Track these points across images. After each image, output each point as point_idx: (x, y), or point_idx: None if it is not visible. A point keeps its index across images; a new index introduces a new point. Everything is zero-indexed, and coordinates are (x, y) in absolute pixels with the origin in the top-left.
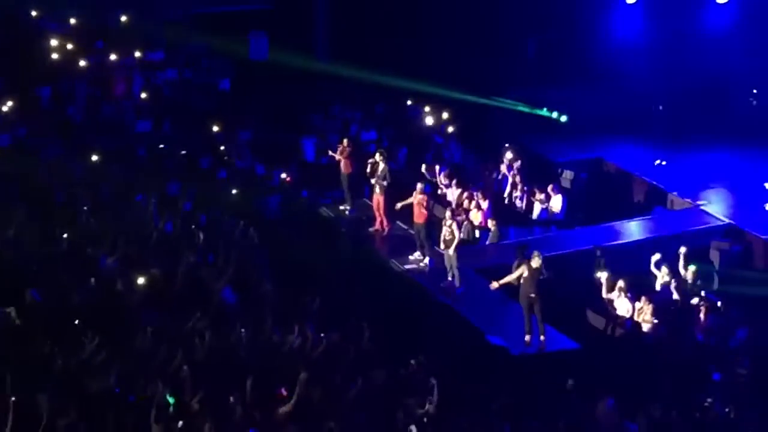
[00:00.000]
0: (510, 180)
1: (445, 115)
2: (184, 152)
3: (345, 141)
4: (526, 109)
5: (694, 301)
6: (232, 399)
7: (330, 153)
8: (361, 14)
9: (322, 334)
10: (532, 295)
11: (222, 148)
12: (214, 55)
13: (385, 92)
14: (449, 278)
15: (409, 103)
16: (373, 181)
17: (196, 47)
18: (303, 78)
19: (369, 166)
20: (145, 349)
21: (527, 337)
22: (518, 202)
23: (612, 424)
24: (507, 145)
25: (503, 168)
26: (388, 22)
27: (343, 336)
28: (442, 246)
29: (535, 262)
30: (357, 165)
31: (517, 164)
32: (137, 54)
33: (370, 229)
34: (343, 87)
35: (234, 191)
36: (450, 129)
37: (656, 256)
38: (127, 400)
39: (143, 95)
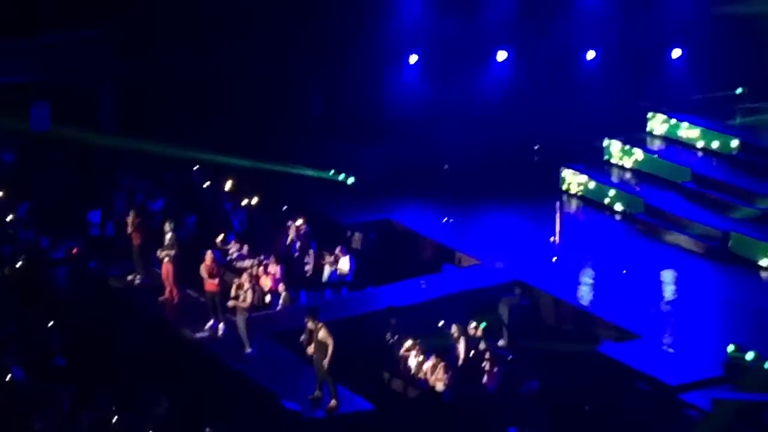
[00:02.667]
0: (298, 244)
1: (232, 182)
2: None
3: (132, 212)
4: (312, 173)
5: (485, 357)
6: None
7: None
8: (145, 86)
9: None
10: (315, 355)
11: (8, 219)
12: None
13: (174, 160)
14: (244, 344)
15: (195, 168)
16: (161, 252)
17: None
18: (90, 148)
19: (161, 235)
20: None
21: (316, 393)
22: (307, 266)
23: None
24: (285, 208)
25: (291, 232)
26: (173, 94)
27: (139, 408)
28: (236, 313)
29: (313, 324)
30: (146, 234)
31: (303, 228)
32: None
33: (160, 299)
34: (131, 157)
35: (18, 264)
36: (238, 195)
37: (441, 323)
38: None
39: None
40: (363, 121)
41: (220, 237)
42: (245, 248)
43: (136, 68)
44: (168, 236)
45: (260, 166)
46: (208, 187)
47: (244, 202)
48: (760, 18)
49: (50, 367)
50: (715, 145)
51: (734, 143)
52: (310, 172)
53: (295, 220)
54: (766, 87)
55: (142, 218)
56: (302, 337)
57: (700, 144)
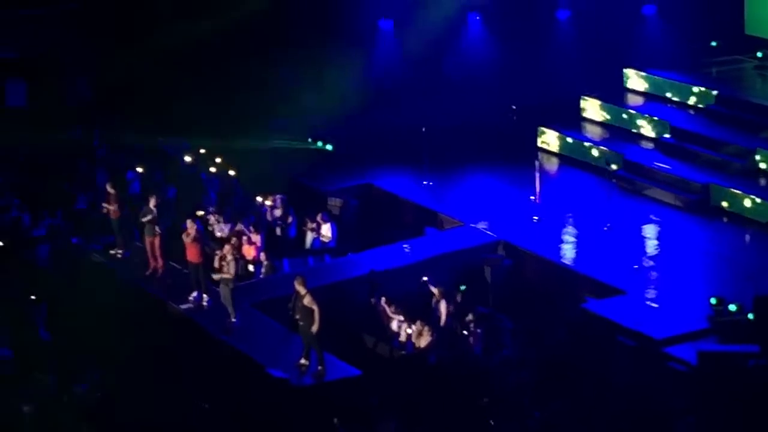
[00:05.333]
0: (279, 212)
1: (209, 153)
2: None
3: (109, 186)
4: (291, 144)
5: (470, 318)
6: None
7: (105, 206)
8: (117, 62)
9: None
10: (301, 322)
11: None
12: None
13: (147, 135)
14: (229, 314)
15: (161, 140)
16: (144, 220)
17: None
18: (66, 123)
19: (141, 209)
20: None
21: (303, 360)
22: (287, 233)
23: None
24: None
25: (271, 200)
26: (147, 68)
27: (128, 383)
28: (218, 282)
29: (300, 289)
30: (126, 208)
31: (281, 196)
32: None
33: (147, 273)
34: (106, 131)
35: (1, 243)
36: (215, 167)
37: (424, 278)
38: None
39: None
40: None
41: (200, 212)
42: (224, 218)
43: (109, 44)
44: (151, 209)
45: (236, 142)
46: (182, 157)
47: (223, 172)
48: None
49: (35, 342)
50: (692, 98)
51: (711, 96)
52: (287, 142)
53: (270, 191)
54: (740, 40)
55: (120, 191)
56: (290, 304)
57: (677, 98)
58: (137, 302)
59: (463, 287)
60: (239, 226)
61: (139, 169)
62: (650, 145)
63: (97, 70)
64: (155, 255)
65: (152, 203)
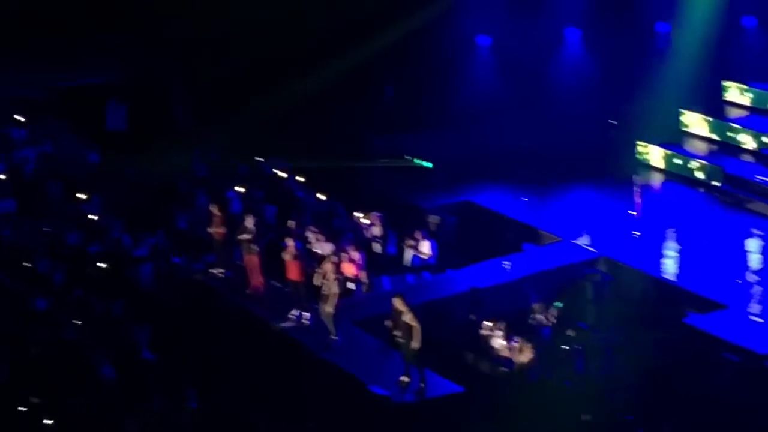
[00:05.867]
0: (378, 230)
1: (306, 172)
2: (47, 229)
3: (214, 208)
4: (390, 162)
5: (570, 334)
6: None
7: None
8: (217, 86)
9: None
10: (402, 340)
11: (93, 218)
12: (75, 128)
13: (248, 153)
14: (330, 332)
15: (261, 160)
16: (247, 245)
17: (56, 121)
18: (165, 145)
19: (240, 228)
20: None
21: (404, 377)
22: (386, 251)
23: None
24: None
25: (370, 218)
26: (246, 87)
27: (226, 401)
28: (320, 301)
29: (401, 307)
30: (228, 228)
31: (379, 214)
32: None
33: (247, 291)
34: (205, 151)
35: (104, 265)
36: (313, 186)
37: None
38: None
39: (1, 176)
40: (437, 108)
41: (293, 222)
42: (323, 236)
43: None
44: (250, 228)
45: (335, 162)
46: (280, 177)
47: (322, 189)
48: None
49: (138, 363)
50: None
51: None
52: (386, 160)
53: (369, 209)
54: None
55: (224, 212)
56: (387, 322)
57: None
58: (238, 321)
59: (559, 303)
60: (338, 244)
61: (239, 189)
62: (751, 159)
63: (196, 91)
64: (255, 273)
65: (250, 222)
